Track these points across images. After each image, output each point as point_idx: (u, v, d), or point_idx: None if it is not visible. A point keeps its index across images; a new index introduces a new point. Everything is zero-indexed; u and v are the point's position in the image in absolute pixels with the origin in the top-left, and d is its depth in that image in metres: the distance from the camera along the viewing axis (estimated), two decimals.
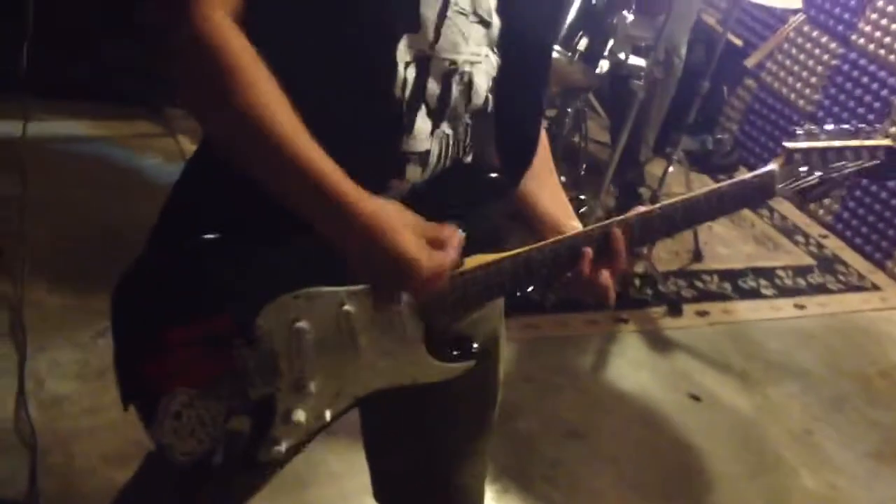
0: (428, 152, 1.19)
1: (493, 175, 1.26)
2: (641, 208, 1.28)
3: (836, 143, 1.34)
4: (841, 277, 4.13)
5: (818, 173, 1.33)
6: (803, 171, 1.32)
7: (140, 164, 3.47)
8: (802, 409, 3.16)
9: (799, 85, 4.70)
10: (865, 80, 4.37)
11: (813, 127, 1.34)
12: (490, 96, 1.24)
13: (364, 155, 1.14)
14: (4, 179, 2.39)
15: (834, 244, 4.39)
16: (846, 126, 1.35)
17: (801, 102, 4.69)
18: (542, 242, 1.26)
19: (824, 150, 1.33)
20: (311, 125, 1.08)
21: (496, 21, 1.20)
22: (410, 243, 1.08)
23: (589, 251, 1.24)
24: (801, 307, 3.81)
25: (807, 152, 1.32)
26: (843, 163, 1.34)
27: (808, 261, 4.20)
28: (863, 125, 1.36)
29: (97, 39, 3.55)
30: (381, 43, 1.12)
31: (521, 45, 1.24)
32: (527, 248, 1.25)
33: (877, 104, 4.31)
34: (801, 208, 4.43)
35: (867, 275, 4.21)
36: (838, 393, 3.30)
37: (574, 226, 1.33)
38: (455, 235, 1.14)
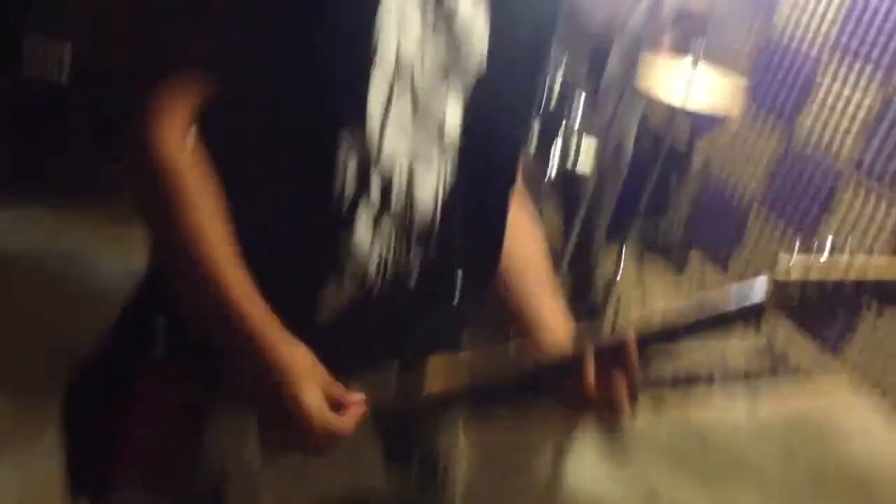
0: (369, 249, 1.17)
1: (453, 286, 1.23)
2: (636, 321, 1.21)
3: (834, 276, 1.20)
4: (793, 371, 4.15)
5: (815, 304, 1.19)
6: (796, 299, 1.19)
7: (100, 264, 3.40)
8: None
9: (745, 172, 4.79)
10: (808, 168, 4.44)
11: (807, 252, 1.20)
12: (442, 198, 1.21)
13: (305, 249, 1.14)
14: None
15: (784, 337, 4.41)
16: (844, 255, 1.20)
17: (748, 189, 4.77)
18: (525, 355, 1.21)
19: (820, 283, 1.19)
20: (251, 222, 1.08)
21: (453, 120, 1.18)
22: (310, 399, 1.07)
23: (591, 360, 1.16)
24: (756, 402, 3.81)
25: (801, 284, 1.19)
26: (843, 293, 1.19)
27: (761, 358, 4.20)
28: (860, 250, 1.19)
29: (55, 140, 3.53)
30: (323, 137, 1.11)
31: (481, 147, 1.22)
32: (491, 363, 1.20)
33: (821, 192, 4.39)
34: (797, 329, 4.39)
35: (820, 366, 4.23)
36: (793, 487, 3.29)
37: (560, 328, 1.28)
38: (358, 403, 1.12)
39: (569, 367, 1.17)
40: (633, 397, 1.18)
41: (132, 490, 1.18)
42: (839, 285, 1.20)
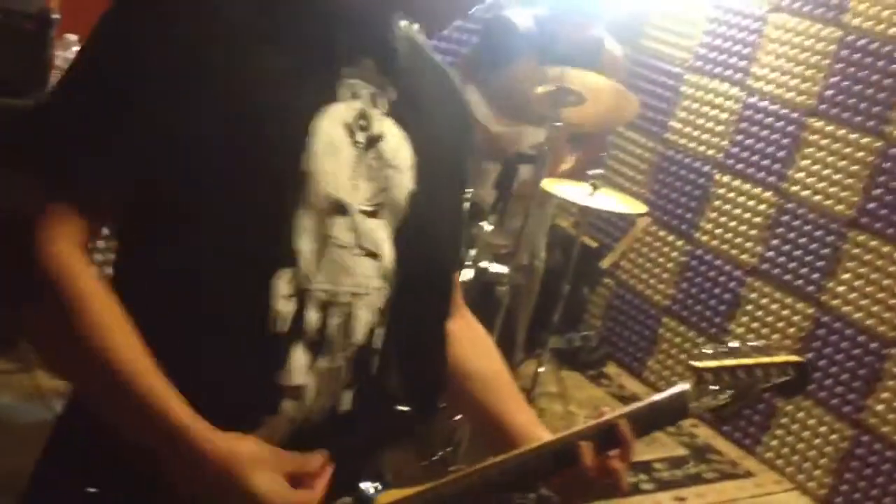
0: (304, 387, 1.15)
1: (399, 410, 1.22)
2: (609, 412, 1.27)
3: (746, 361, 1.33)
4: (715, 466, 4.18)
5: (729, 391, 1.31)
6: (714, 390, 1.31)
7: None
8: None
9: (653, 281, 4.92)
10: (712, 274, 4.60)
11: (720, 346, 1.35)
12: (376, 329, 1.21)
13: (234, 388, 1.11)
14: None
15: (704, 433, 4.48)
16: (753, 343, 1.36)
17: (657, 297, 4.89)
18: (505, 456, 1.23)
19: (734, 369, 1.32)
20: (181, 358, 1.05)
21: (387, 252, 1.19)
22: (262, 484, 1.03)
23: (589, 446, 1.22)
24: (681, 500, 3.82)
25: (717, 371, 1.31)
26: (754, 380, 1.33)
27: (682, 451, 4.25)
28: (767, 343, 1.39)
29: None
30: (255, 277, 1.10)
31: (418, 276, 1.23)
32: (459, 474, 1.20)
33: (727, 296, 4.53)
34: (716, 426, 4.45)
35: (739, 461, 4.28)
36: None
37: (543, 435, 1.30)
38: (322, 468, 1.10)
39: (568, 455, 1.22)
40: (627, 470, 1.25)
41: None
42: (750, 369, 1.34)
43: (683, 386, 1.30)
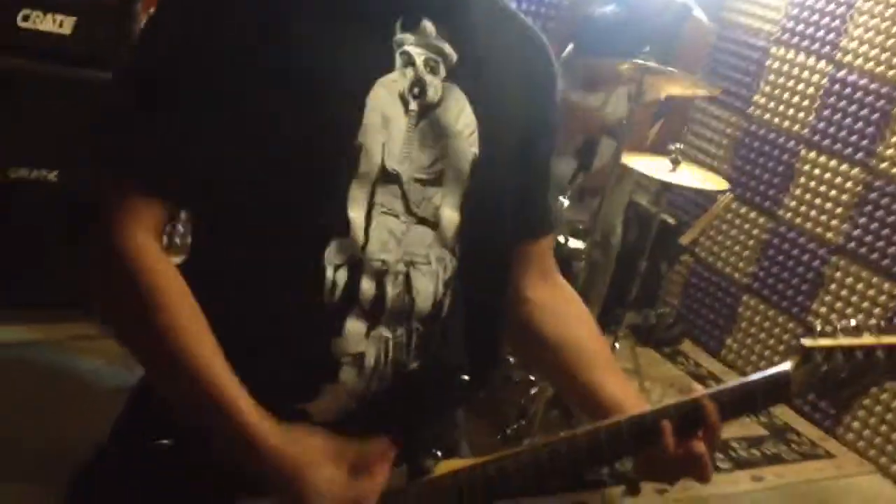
0: (363, 355, 1.16)
1: (458, 378, 1.22)
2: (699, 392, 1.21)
3: (867, 341, 1.18)
4: (794, 447, 4.11)
5: (842, 375, 1.18)
6: (824, 373, 1.18)
7: (79, 368, 3.38)
8: None
9: (733, 258, 4.84)
10: (796, 252, 4.50)
11: (828, 327, 1.20)
12: (444, 299, 1.21)
13: (294, 358, 1.14)
14: None
15: (784, 412, 4.39)
16: (872, 322, 1.21)
17: (737, 275, 4.81)
18: (576, 431, 1.19)
19: (851, 349, 1.18)
20: (240, 330, 1.08)
21: (450, 220, 1.19)
22: (322, 483, 1.06)
23: (667, 425, 1.16)
24: (759, 479, 3.77)
25: (829, 351, 1.18)
26: (873, 363, 1.18)
27: (761, 431, 4.18)
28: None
29: (31, 243, 3.52)
30: (308, 248, 1.12)
31: (484, 244, 1.23)
32: (524, 448, 1.18)
33: (810, 274, 4.43)
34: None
35: (819, 442, 4.20)
36: None
37: (634, 406, 1.24)
38: (384, 453, 1.11)
39: (646, 434, 1.17)
40: (713, 454, 1.18)
41: None
42: (870, 350, 1.19)
43: (785, 366, 1.19)
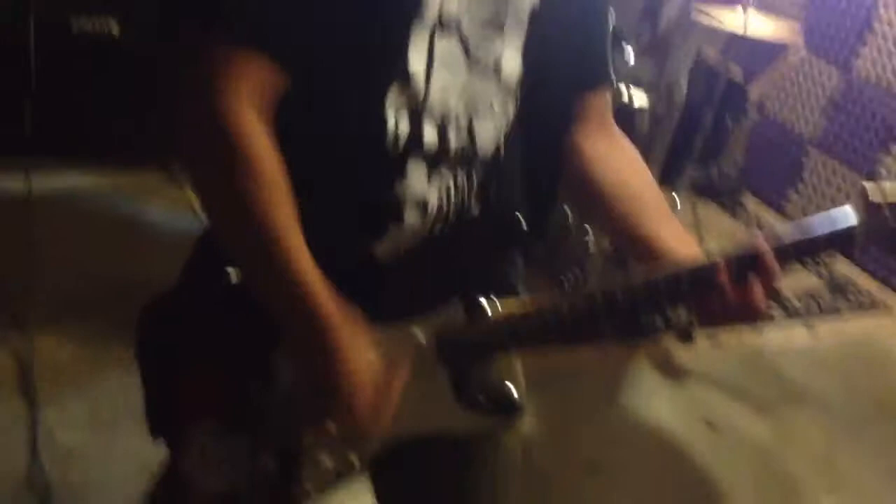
0: (426, 198, 1.19)
1: (515, 225, 1.23)
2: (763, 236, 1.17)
3: None
4: (851, 298, 4.10)
5: None
6: (892, 227, 1.12)
7: (147, 215, 3.49)
8: (821, 434, 3.13)
9: (801, 112, 4.72)
10: (867, 105, 4.37)
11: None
12: (504, 145, 1.22)
13: (359, 199, 1.17)
14: (11, 235, 2.40)
15: (841, 264, 4.36)
16: None
17: (804, 129, 4.70)
18: (632, 278, 1.18)
19: None
20: (306, 172, 1.10)
21: (512, 69, 1.19)
22: (360, 361, 1.12)
23: (724, 270, 1.15)
24: (814, 330, 3.79)
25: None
26: None
27: (819, 283, 4.17)
28: None
29: (98, 91, 3.58)
30: (370, 94, 1.13)
31: (545, 94, 1.22)
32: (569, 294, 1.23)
33: (880, 129, 4.31)
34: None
35: (878, 295, 4.18)
36: (856, 416, 3.26)
37: (690, 254, 1.23)
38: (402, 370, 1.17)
39: (704, 281, 1.16)
40: (771, 299, 1.17)
41: (207, 431, 1.21)
42: None
43: (851, 217, 1.13)
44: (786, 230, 1.17)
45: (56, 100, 3.36)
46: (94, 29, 3.44)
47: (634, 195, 1.33)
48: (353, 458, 1.23)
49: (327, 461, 1.22)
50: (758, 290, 1.16)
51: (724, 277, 1.15)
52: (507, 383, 1.27)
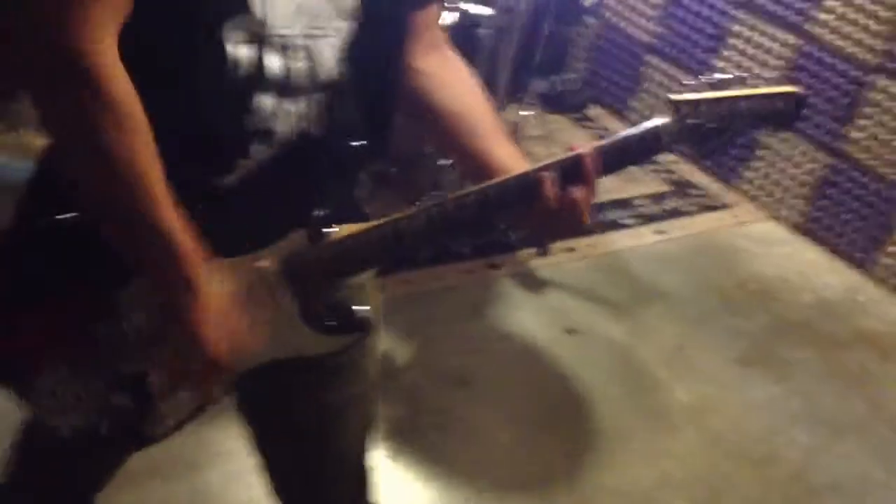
0: (271, 128, 1.18)
1: (354, 145, 1.24)
2: (583, 146, 1.24)
3: (730, 93, 1.26)
4: (694, 199, 4.31)
5: (712, 125, 1.26)
6: (693, 124, 1.25)
7: None
8: (671, 328, 3.32)
9: (637, 18, 4.84)
10: (698, 7, 4.52)
11: (702, 77, 1.27)
12: (342, 68, 1.22)
13: (207, 137, 1.14)
14: None
15: (684, 168, 4.56)
16: (743, 75, 1.28)
17: (641, 35, 4.83)
18: (464, 191, 1.22)
19: (716, 101, 1.26)
20: (157, 107, 1.07)
21: None
22: (209, 314, 1.13)
23: (551, 174, 1.20)
24: (662, 232, 3.97)
25: (696, 104, 1.25)
26: (737, 113, 1.27)
27: (664, 188, 4.36)
28: (757, 73, 1.29)
29: None
30: (209, 26, 1.10)
31: (378, 13, 1.22)
32: (405, 213, 1.21)
33: (711, 30, 4.48)
34: (696, 161, 4.47)
35: (719, 194, 4.41)
36: (702, 308, 3.47)
37: (522, 168, 1.27)
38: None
39: (530, 188, 1.21)
40: (590, 202, 1.23)
41: (56, 376, 1.19)
42: (733, 101, 1.27)
43: (658, 120, 1.25)
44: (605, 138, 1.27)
45: None
46: None
47: (466, 112, 1.35)
48: (213, 390, 1.24)
49: (185, 395, 1.22)
50: (580, 195, 1.22)
51: (548, 183, 1.20)
52: (356, 303, 1.30)
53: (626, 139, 1.25)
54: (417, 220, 1.21)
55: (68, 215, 1.15)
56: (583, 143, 1.25)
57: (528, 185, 1.21)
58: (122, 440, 1.25)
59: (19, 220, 1.22)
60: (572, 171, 1.22)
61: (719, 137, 1.28)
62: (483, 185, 1.23)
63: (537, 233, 1.30)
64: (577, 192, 1.22)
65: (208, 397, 1.25)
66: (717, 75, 1.29)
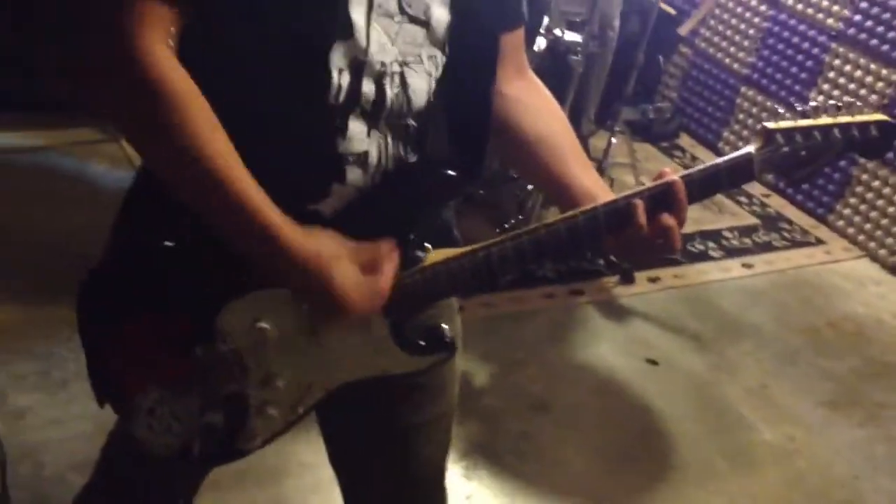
0: (366, 154, 1.20)
1: (447, 172, 1.25)
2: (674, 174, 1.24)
3: (823, 121, 1.26)
4: (785, 234, 4.22)
5: (802, 154, 1.26)
6: (785, 153, 1.26)
7: (86, 171, 3.45)
8: (757, 365, 3.25)
9: (733, 49, 4.79)
10: (796, 40, 4.46)
11: (797, 107, 1.27)
12: (431, 97, 1.24)
13: (303, 160, 1.17)
14: None
15: (776, 202, 4.49)
16: (835, 103, 1.28)
17: (736, 66, 4.78)
18: (556, 218, 1.24)
19: (808, 129, 1.26)
20: (249, 134, 1.10)
21: (440, 18, 1.20)
22: (343, 279, 1.13)
23: (641, 202, 1.22)
24: (749, 266, 3.90)
25: (788, 132, 1.26)
26: (830, 142, 1.27)
27: (753, 220, 4.29)
28: (851, 100, 1.28)
29: (27, 46, 3.50)
30: (314, 52, 1.13)
31: (471, 40, 1.24)
32: (503, 237, 1.23)
33: (809, 63, 4.41)
34: (788, 196, 4.41)
35: (810, 230, 4.31)
36: (790, 347, 3.39)
37: (605, 197, 1.28)
38: (391, 252, 1.18)
39: (621, 216, 1.22)
40: (680, 229, 1.24)
41: (153, 397, 1.23)
42: (827, 130, 1.27)
43: (749, 147, 1.26)
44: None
45: None
46: None
47: (551, 139, 1.36)
48: (299, 407, 1.27)
49: (274, 412, 1.25)
50: (670, 223, 1.22)
51: (639, 210, 1.21)
52: (443, 325, 1.32)
53: (718, 166, 1.25)
54: (508, 247, 1.23)
55: (171, 243, 1.19)
56: (669, 171, 1.25)
57: (618, 212, 1.22)
58: (212, 456, 1.28)
59: (122, 236, 1.25)
60: (662, 198, 1.23)
61: (811, 166, 1.28)
62: (573, 212, 1.24)
63: (626, 259, 1.30)
64: (668, 220, 1.22)
65: (297, 414, 1.27)
66: (812, 104, 1.29)
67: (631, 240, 1.23)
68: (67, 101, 3.57)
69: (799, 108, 1.28)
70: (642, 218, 1.22)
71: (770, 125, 1.25)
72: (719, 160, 1.26)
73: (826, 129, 1.27)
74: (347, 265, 1.14)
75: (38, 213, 3.09)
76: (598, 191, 1.30)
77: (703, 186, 1.25)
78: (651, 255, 1.28)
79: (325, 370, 1.26)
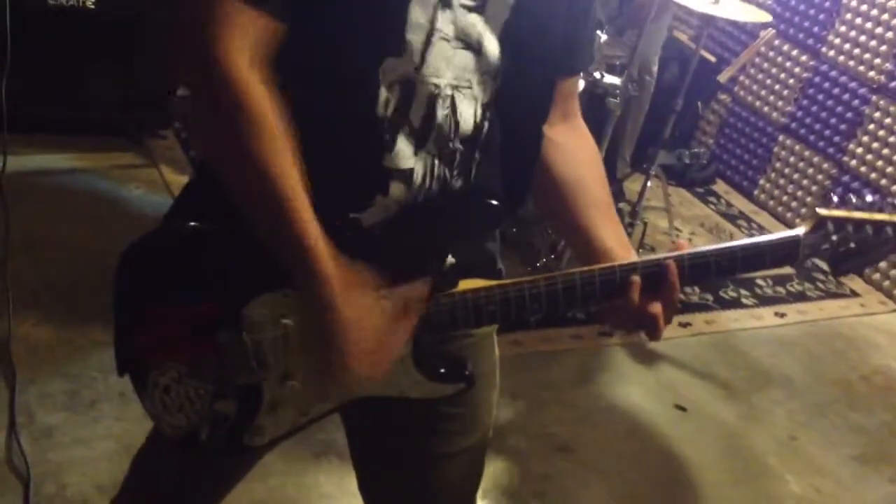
0: (412, 171, 1.22)
1: (491, 202, 1.27)
2: (686, 249, 1.26)
3: (878, 217, 1.24)
4: (820, 285, 4.18)
5: (850, 245, 1.24)
6: (834, 241, 1.24)
7: (124, 195, 3.50)
8: (787, 416, 3.20)
9: (772, 98, 4.78)
10: (837, 91, 4.45)
11: (853, 198, 1.25)
12: (483, 123, 1.25)
13: (348, 169, 1.20)
14: None
15: None
16: (889, 201, 1.26)
17: (775, 115, 4.77)
18: (556, 273, 1.26)
19: (861, 222, 1.24)
20: (303, 138, 1.12)
21: (490, 49, 1.22)
22: (357, 306, 1.15)
23: (637, 280, 1.23)
24: (782, 315, 3.86)
25: (841, 221, 1.24)
26: (881, 239, 1.25)
27: (787, 270, 4.25)
28: None
29: (75, 72, 3.57)
30: (365, 64, 1.16)
31: (522, 74, 1.25)
32: (533, 278, 1.25)
33: (849, 115, 4.39)
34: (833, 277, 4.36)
35: (846, 281, 4.26)
36: (821, 398, 3.35)
37: (619, 254, 1.29)
38: (421, 297, 1.20)
39: (613, 286, 1.24)
40: (670, 317, 1.25)
41: (172, 374, 1.25)
42: (880, 226, 1.25)
43: (798, 230, 1.24)
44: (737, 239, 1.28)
45: (31, 76, 3.36)
46: (70, 1, 3.43)
47: (581, 184, 1.37)
48: (310, 412, 1.27)
49: (285, 412, 1.26)
50: (657, 311, 1.23)
51: (632, 287, 1.23)
52: (464, 356, 1.32)
53: (762, 245, 1.25)
54: (520, 290, 1.24)
55: (208, 225, 1.22)
56: (685, 243, 1.26)
57: (611, 282, 1.24)
58: (218, 447, 1.29)
59: (174, 217, 1.29)
60: (655, 276, 1.23)
61: (859, 259, 1.26)
62: (574, 270, 1.26)
63: (608, 322, 1.33)
64: (655, 307, 1.23)
65: (305, 420, 1.28)
66: (869, 197, 1.27)
67: (619, 310, 1.25)
68: (109, 125, 3.69)
69: (854, 201, 1.26)
70: (635, 295, 1.23)
71: (823, 211, 1.24)
72: (764, 238, 1.25)
73: (880, 224, 1.25)
74: (369, 299, 1.17)
75: (74, 234, 3.13)
76: (613, 245, 1.31)
77: (746, 264, 1.25)
78: (633, 328, 1.29)
79: (338, 393, 1.26)
